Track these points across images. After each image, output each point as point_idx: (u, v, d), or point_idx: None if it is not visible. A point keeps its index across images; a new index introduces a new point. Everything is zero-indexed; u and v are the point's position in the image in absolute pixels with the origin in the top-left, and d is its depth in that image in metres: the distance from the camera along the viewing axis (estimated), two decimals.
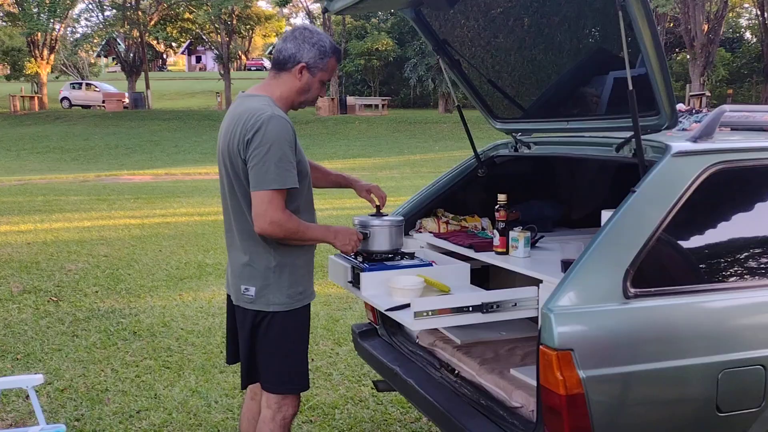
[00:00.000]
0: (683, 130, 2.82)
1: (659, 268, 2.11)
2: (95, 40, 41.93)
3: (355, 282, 2.67)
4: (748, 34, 41.89)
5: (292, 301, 2.40)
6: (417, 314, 2.17)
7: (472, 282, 2.74)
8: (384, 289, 2.58)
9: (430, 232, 3.22)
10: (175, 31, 41.31)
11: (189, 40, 46.94)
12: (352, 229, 2.58)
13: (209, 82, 48.47)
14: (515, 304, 2.31)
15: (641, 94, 2.25)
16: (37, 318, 5.53)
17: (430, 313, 2.19)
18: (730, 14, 37.67)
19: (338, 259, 2.84)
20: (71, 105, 38.85)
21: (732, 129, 2.93)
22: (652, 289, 2.07)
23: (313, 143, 24.32)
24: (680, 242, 2.21)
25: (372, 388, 4.10)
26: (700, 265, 2.25)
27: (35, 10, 33.99)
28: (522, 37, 2.93)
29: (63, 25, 37.58)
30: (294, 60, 2.40)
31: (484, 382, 2.59)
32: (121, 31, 39.42)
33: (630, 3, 2.06)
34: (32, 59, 36.29)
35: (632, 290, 2.04)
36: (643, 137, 2.42)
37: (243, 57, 59.25)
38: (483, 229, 3.32)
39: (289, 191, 2.30)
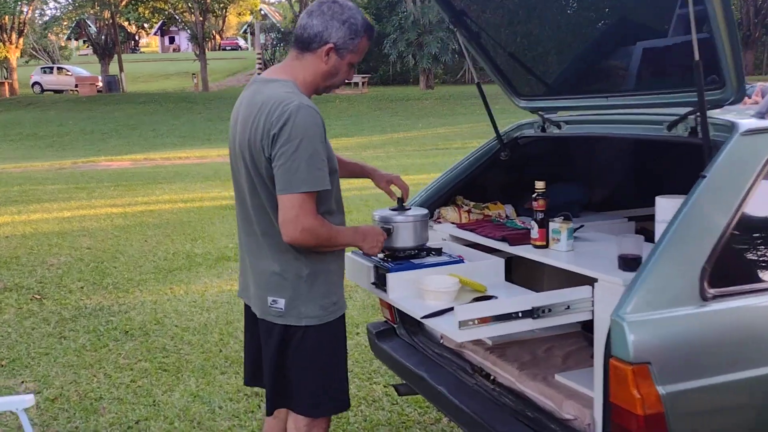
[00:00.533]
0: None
1: (739, 263, 1.87)
2: (65, 23, 40.80)
3: (380, 283, 2.41)
4: None
5: (326, 313, 2.13)
6: (462, 323, 1.91)
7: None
8: (413, 290, 2.32)
9: (452, 223, 2.96)
10: (147, 12, 40.21)
11: (161, 21, 45.82)
12: (377, 228, 2.31)
13: (184, 63, 47.47)
14: (568, 307, 2.06)
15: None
16: (21, 318, 5.20)
17: (476, 321, 1.93)
18: None
19: (358, 257, 2.57)
20: (43, 90, 37.85)
21: None
22: (732, 288, 1.83)
23: None
24: (760, 232, 1.96)
25: (385, 386, 3.85)
26: None
27: None
28: (550, 2, 2.65)
29: (31, 8, 36.39)
30: (321, 39, 2.09)
31: (527, 390, 2.35)
32: (92, 12, 38.34)
33: None
34: (0, 44, 35.18)
35: (710, 291, 1.80)
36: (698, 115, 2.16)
37: (217, 37, 58.12)
38: (507, 217, 3.06)
39: (319, 192, 2.02)
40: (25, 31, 36.74)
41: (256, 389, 3.87)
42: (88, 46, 46.33)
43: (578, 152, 3.27)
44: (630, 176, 3.45)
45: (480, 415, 2.31)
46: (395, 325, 3.07)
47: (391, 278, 2.33)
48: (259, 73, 2.18)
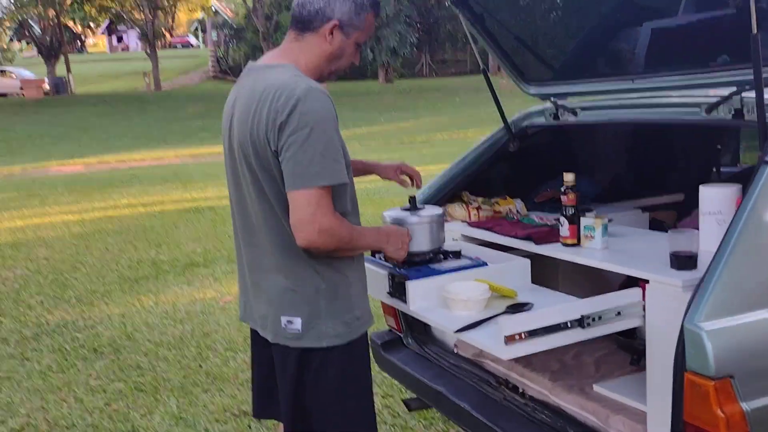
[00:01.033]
0: None
1: None
2: (6, 24, 39.20)
3: (397, 292, 2.16)
4: None
5: (350, 330, 1.86)
6: (509, 338, 1.68)
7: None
8: (436, 299, 2.08)
9: (463, 221, 2.72)
10: (93, 10, 38.93)
11: (108, 20, 44.50)
12: (402, 229, 2.05)
13: (134, 62, 46.24)
14: (619, 313, 1.84)
15: (737, 37, 1.79)
16: None
17: (524, 335, 1.69)
18: None
19: (370, 264, 2.31)
20: None
21: None
22: None
23: None
24: None
25: (384, 397, 3.61)
26: None
27: None
28: None
29: None
30: (323, 16, 1.83)
31: (564, 403, 2.13)
32: (35, 12, 36.90)
33: None
34: None
35: None
36: (746, 94, 1.97)
37: (167, 35, 56.80)
38: (519, 212, 2.84)
39: (334, 188, 1.75)
40: None
41: (244, 408, 3.58)
42: (32, 47, 44.67)
43: (591, 141, 3.07)
44: (642, 164, 3.27)
45: None
46: (401, 334, 2.82)
47: (412, 287, 2.08)
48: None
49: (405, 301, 2.11)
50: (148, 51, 35.88)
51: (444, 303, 2.05)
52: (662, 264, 1.91)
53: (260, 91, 1.77)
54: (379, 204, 8.86)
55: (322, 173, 1.69)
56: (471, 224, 2.65)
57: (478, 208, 2.79)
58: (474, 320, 1.90)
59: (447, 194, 2.81)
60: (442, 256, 2.30)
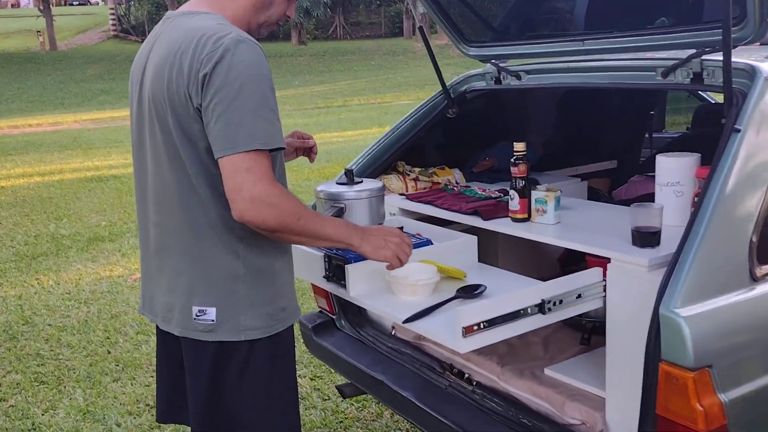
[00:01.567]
0: None
1: None
2: None
3: (335, 276, 1.94)
4: None
5: (274, 322, 1.62)
6: (467, 330, 1.49)
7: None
8: (378, 283, 1.87)
9: (400, 194, 2.52)
10: None
11: None
12: (393, 229, 1.72)
13: (26, 20, 42.97)
14: (579, 296, 1.70)
15: None
16: None
17: (483, 324, 1.51)
18: None
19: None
20: None
21: None
22: None
23: None
24: None
25: (312, 379, 3.41)
26: None
27: None
28: None
29: None
30: None
31: (515, 390, 1.99)
32: None
33: None
34: None
35: (761, 269, 1.49)
36: (706, 57, 1.85)
37: None
38: (458, 183, 2.67)
39: (272, 154, 1.50)
40: None
41: None
42: None
43: (529, 106, 2.92)
44: (575, 130, 3.16)
45: (463, 425, 1.92)
46: (334, 317, 2.61)
47: (352, 270, 1.86)
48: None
49: (344, 286, 1.90)
50: (41, 8, 33.36)
51: (387, 287, 1.85)
52: (622, 240, 1.78)
53: (180, 38, 1.49)
54: (297, 173, 8.54)
55: (255, 135, 1.43)
56: (410, 197, 2.45)
57: (415, 180, 2.60)
58: (423, 307, 1.71)
59: (382, 165, 2.60)
60: None
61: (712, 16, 1.92)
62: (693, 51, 1.87)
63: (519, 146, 2.02)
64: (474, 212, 2.15)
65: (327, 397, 3.26)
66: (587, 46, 2.15)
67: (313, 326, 2.61)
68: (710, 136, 1.85)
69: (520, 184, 2.02)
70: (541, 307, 1.61)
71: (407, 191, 2.57)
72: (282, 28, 34.46)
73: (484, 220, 2.10)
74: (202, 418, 1.64)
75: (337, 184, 2.05)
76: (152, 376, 3.51)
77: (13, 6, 62.82)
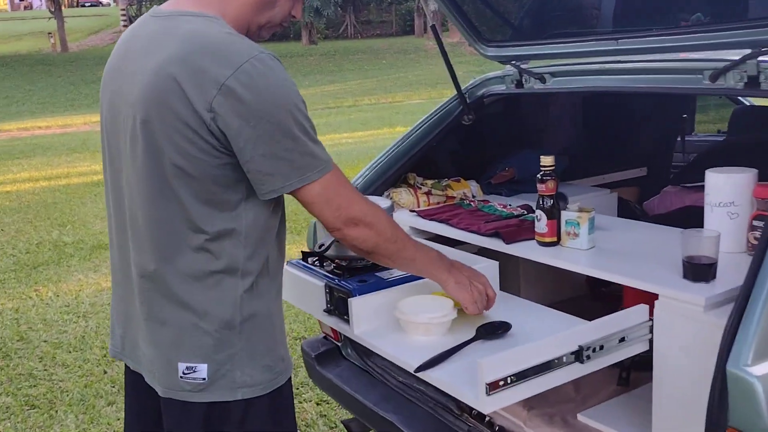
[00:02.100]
0: None
1: None
2: None
3: (338, 310, 1.70)
4: None
5: (273, 376, 1.38)
6: (492, 386, 1.25)
7: None
8: (387, 319, 1.64)
9: (411, 210, 2.28)
10: None
11: None
12: (482, 275, 1.59)
13: (38, 22, 43.12)
14: (623, 339, 1.45)
15: None
16: None
17: (511, 379, 1.27)
18: None
19: (300, 271, 1.84)
20: None
21: None
22: None
23: None
24: None
25: (318, 404, 3.18)
26: None
27: None
28: None
29: None
30: None
31: None
32: None
33: None
34: None
35: None
36: (763, 59, 1.60)
37: None
38: (474, 197, 2.42)
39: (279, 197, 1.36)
40: None
41: None
42: None
43: (553, 111, 2.67)
44: (601, 135, 2.91)
45: None
46: (339, 344, 2.38)
47: (357, 305, 1.62)
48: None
49: (348, 322, 1.66)
50: (53, 9, 33.39)
51: (397, 325, 1.61)
52: (669, 271, 1.53)
53: (179, 52, 1.25)
54: None
55: (321, 154, 1.30)
56: (422, 214, 2.21)
57: (427, 193, 2.36)
58: (437, 351, 1.47)
59: (391, 177, 2.37)
60: None
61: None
62: (747, 51, 1.61)
63: (547, 160, 1.77)
64: (495, 234, 1.90)
65: (334, 425, 3.02)
66: (622, 46, 1.90)
67: (317, 354, 2.38)
68: (755, 144, 1.62)
69: (548, 203, 1.78)
70: (579, 355, 1.37)
71: (419, 206, 2.33)
72: (293, 28, 34.34)
73: (507, 243, 1.86)
74: None
75: None
76: None
77: (26, 8, 63.20)
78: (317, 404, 3.19)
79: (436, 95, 16.08)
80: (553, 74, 2.16)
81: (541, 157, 1.78)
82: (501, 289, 1.82)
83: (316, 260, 1.80)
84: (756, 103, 3.37)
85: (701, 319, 1.37)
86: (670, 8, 1.97)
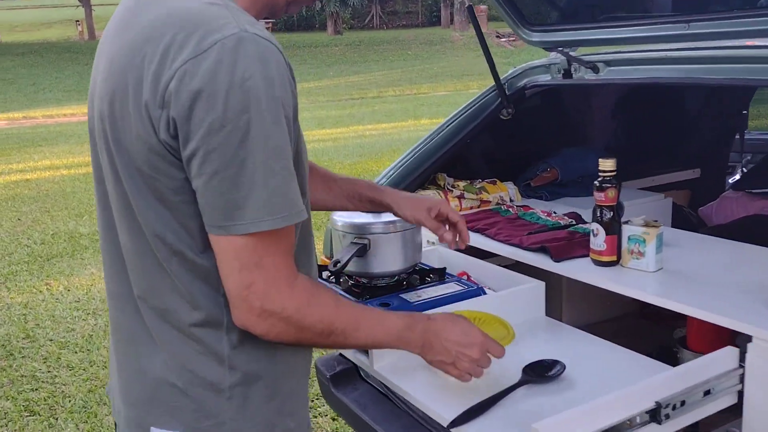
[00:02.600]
0: None
1: None
2: None
3: None
4: None
5: None
6: None
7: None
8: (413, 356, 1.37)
9: None
10: None
11: None
12: (475, 333, 1.18)
13: (66, 9, 43.44)
14: (708, 392, 1.17)
15: None
16: None
17: None
18: None
19: None
20: None
21: None
22: None
23: None
24: None
25: (333, 419, 2.93)
26: None
27: None
28: None
29: None
30: None
31: None
32: None
33: None
34: None
35: None
36: None
37: None
38: (512, 202, 2.15)
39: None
40: None
41: None
42: None
43: (604, 104, 2.38)
44: (652, 132, 2.61)
45: None
46: (358, 365, 2.12)
47: None
48: None
49: (366, 353, 1.40)
50: None
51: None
52: (757, 301, 1.25)
53: (151, 26, 0.96)
54: None
55: (270, 204, 0.92)
56: None
57: (459, 197, 2.09)
58: (476, 399, 1.20)
59: (418, 178, 2.10)
60: (418, 278, 1.60)
61: None
62: None
63: (607, 164, 1.49)
64: (541, 248, 1.63)
65: None
66: (693, 30, 1.61)
67: (332, 375, 2.12)
68: None
69: (607, 215, 1.50)
70: (656, 414, 1.09)
71: None
72: (318, 18, 34.05)
73: (555, 260, 1.59)
74: None
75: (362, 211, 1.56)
76: None
77: None
78: (333, 419, 2.95)
79: (461, 87, 15.75)
80: (607, 63, 1.87)
81: (600, 160, 1.50)
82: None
83: (332, 275, 1.55)
84: None
85: None
86: None
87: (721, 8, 1.59)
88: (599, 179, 1.50)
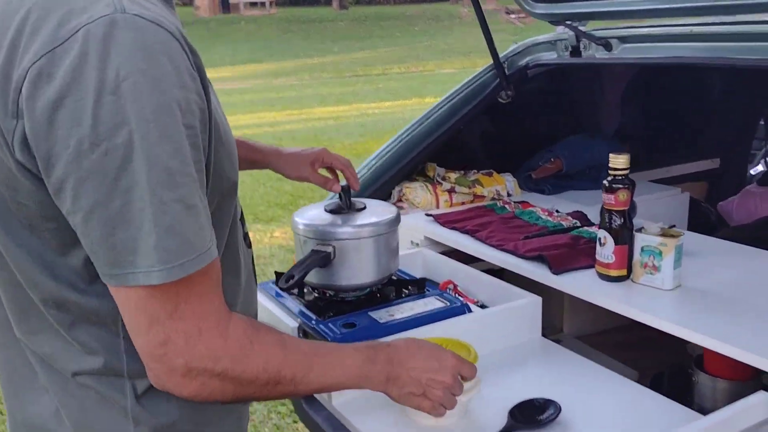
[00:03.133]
0: None
1: None
2: None
3: None
4: None
5: None
6: None
7: None
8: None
9: (428, 214, 1.77)
10: None
11: None
12: (448, 357, 0.98)
13: None
14: None
15: None
16: None
17: None
18: None
19: (266, 299, 1.37)
20: None
21: None
22: None
23: None
24: None
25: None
26: None
27: None
28: None
29: None
30: None
31: None
32: None
33: None
34: None
35: None
36: None
37: None
38: (510, 197, 1.91)
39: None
40: None
41: None
42: None
43: (615, 87, 2.13)
44: (676, 119, 2.36)
45: None
46: None
47: None
48: None
49: None
50: None
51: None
52: None
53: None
54: (277, 193, 6.78)
55: (156, 255, 0.69)
56: (440, 219, 1.70)
57: (450, 191, 1.85)
58: None
59: (405, 167, 1.86)
60: (393, 291, 1.36)
61: None
62: None
63: (619, 161, 1.25)
64: (538, 257, 1.39)
65: None
66: (727, 0, 1.35)
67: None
68: None
69: (617, 221, 1.26)
70: None
71: (438, 207, 1.82)
72: None
73: (555, 272, 1.35)
74: None
75: (326, 211, 1.32)
76: None
77: None
78: (294, 422, 2.73)
79: (469, 64, 15.38)
80: (622, 39, 1.62)
81: (611, 156, 1.26)
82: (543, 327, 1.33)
83: (286, 289, 1.31)
84: None
85: None
86: None
87: None
88: (609, 179, 1.26)
